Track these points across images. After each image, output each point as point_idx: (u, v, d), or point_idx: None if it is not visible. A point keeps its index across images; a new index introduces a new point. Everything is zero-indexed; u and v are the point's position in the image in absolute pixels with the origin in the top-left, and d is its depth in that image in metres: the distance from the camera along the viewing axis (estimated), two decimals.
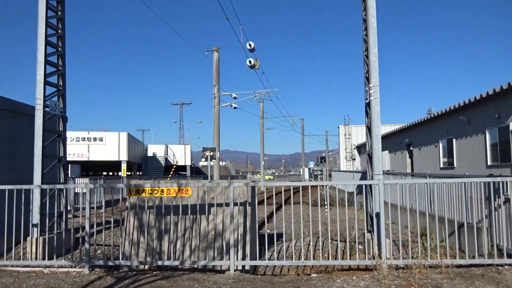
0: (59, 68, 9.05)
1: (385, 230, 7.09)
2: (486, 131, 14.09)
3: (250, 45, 15.77)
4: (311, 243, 6.52)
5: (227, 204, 6.72)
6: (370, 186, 7.66)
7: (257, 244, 6.68)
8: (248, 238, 6.85)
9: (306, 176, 68.52)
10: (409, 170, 23.88)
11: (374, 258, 7.00)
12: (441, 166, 18.86)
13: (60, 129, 9.06)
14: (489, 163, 14.09)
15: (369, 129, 8.12)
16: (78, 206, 15.34)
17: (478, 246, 6.91)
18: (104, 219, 11.51)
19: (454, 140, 17.23)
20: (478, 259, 6.01)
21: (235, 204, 6.63)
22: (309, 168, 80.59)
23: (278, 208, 19.09)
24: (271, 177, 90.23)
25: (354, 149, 38.72)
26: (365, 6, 8.01)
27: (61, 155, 9.04)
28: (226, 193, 6.84)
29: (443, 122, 18.23)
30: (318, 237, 9.55)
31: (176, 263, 6.35)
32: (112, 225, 6.99)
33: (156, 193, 6.25)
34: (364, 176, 20.10)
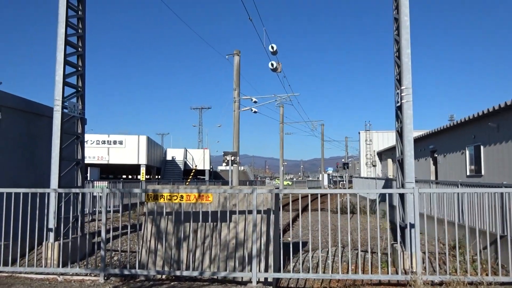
0: (79, 68, 8.87)
1: (415, 241, 6.61)
2: None
3: (272, 47, 15.44)
4: (339, 254, 6.09)
5: (249, 212, 6.36)
6: (402, 194, 7.18)
7: (280, 254, 6.29)
8: (271, 248, 6.46)
9: (325, 182, 67.62)
10: (433, 177, 23.12)
11: (406, 273, 6.53)
12: (468, 174, 18.15)
13: (79, 131, 8.87)
14: None
15: (399, 134, 7.65)
16: (100, 209, 15.24)
17: None
18: (122, 224, 11.31)
19: (482, 147, 16.53)
20: None
21: (258, 211, 6.27)
22: (328, 174, 79.62)
23: (298, 214, 18.64)
24: (289, 183, 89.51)
25: (372, 155, 37.92)
26: (396, 4, 7.57)
27: (79, 157, 8.84)
28: (249, 200, 6.48)
29: (470, 128, 17.55)
30: (344, 247, 9.09)
31: (195, 273, 6.01)
32: (129, 231, 6.71)
33: (175, 199, 5.94)
34: (388, 184, 19.50)
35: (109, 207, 12.00)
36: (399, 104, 7.41)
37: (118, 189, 7.84)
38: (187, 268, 6.23)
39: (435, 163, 23.04)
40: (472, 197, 8.58)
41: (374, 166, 38.26)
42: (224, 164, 18.65)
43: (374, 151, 37.93)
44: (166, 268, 6.33)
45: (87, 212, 8.42)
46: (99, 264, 6.10)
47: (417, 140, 23.73)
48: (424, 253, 6.44)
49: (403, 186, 7.43)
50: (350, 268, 6.15)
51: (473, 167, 17.78)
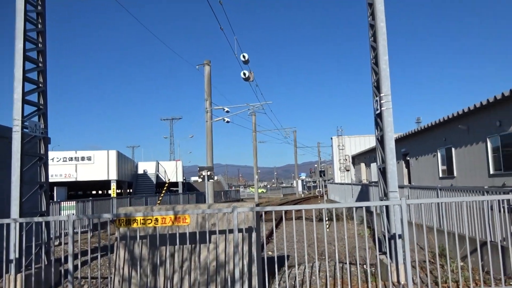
0: (40, 85, 8.29)
1: (404, 253, 6.41)
2: (487, 139, 13.65)
3: (244, 56, 15.19)
4: (327, 272, 5.79)
5: (230, 231, 5.98)
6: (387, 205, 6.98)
7: (266, 274, 5.93)
8: (254, 269, 6.09)
9: (300, 188, 67.74)
10: (406, 180, 23.37)
11: (395, 287, 6.30)
12: (440, 175, 18.39)
13: (42, 152, 8.26)
14: (491, 172, 13.63)
15: (380, 141, 7.48)
16: (66, 231, 14.42)
17: (505, 268, 6.26)
18: (91, 246, 10.62)
19: (453, 149, 16.77)
20: None
21: (240, 230, 5.90)
22: (302, 180, 79.88)
23: (277, 224, 18.31)
24: (264, 190, 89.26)
25: (345, 160, 38.21)
26: (372, 11, 7.44)
27: (42, 180, 8.21)
28: (229, 218, 6.10)
29: (441, 131, 17.82)
30: (325, 258, 8.83)
31: None
32: (99, 257, 6.20)
33: (149, 223, 5.49)
34: (364, 190, 19.50)
35: (77, 229, 11.33)
36: (378, 111, 7.24)
37: (86, 215, 7.27)
38: None
39: (408, 166, 23.30)
40: (460, 204, 8.43)
41: (348, 170, 38.54)
42: (199, 179, 18.17)
43: (348, 155, 38.21)
44: None
45: (53, 237, 7.79)
46: None
47: None
48: (414, 267, 6.23)
49: (386, 195, 7.24)
50: (338, 284, 5.86)
51: (445, 168, 18.02)
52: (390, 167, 6.90)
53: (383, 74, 7.02)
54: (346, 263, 7.55)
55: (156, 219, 5.48)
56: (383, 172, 7.40)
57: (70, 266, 5.50)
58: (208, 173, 17.38)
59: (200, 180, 18.10)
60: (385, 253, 7.36)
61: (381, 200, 7.42)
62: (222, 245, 6.15)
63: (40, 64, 8.30)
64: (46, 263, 7.61)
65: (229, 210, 5.67)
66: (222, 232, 6.13)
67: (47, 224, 7.69)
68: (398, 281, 6.30)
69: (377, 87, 7.30)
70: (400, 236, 6.49)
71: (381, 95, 7.02)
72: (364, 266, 7.85)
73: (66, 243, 10.74)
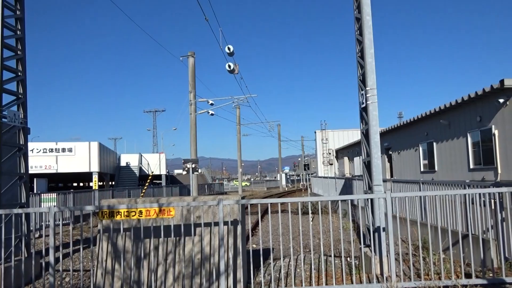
0: (19, 74, 8.06)
1: (388, 246, 6.48)
2: (468, 134, 13.88)
3: (229, 48, 15.04)
4: (312, 264, 5.81)
5: (215, 224, 5.94)
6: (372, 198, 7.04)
7: (251, 267, 5.92)
8: (239, 262, 6.08)
9: (283, 182, 68.04)
10: (388, 174, 23.66)
11: (378, 278, 6.37)
12: (422, 169, 18.66)
13: (21, 142, 8.05)
14: (471, 166, 13.88)
15: (365, 135, 7.51)
16: (48, 223, 14.14)
17: (485, 260, 6.39)
18: (73, 239, 10.44)
19: (434, 143, 17.02)
20: (498, 278, 5.45)
21: (225, 223, 5.86)
22: (286, 174, 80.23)
23: (261, 217, 18.38)
24: (247, 183, 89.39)
25: (329, 153, 38.45)
26: (358, 4, 7.43)
27: (22, 171, 8.02)
28: (214, 211, 6.06)
29: (423, 125, 18.05)
30: (310, 251, 8.88)
31: None
32: (81, 247, 6.06)
33: (133, 215, 5.40)
34: (347, 183, 19.65)
35: (58, 221, 11.15)
36: (364, 105, 7.26)
37: (68, 207, 7.09)
38: None
39: (390, 160, 23.58)
40: (444, 197, 8.55)
41: (331, 164, 38.81)
42: (184, 172, 18.00)
43: (332, 149, 38.44)
44: None
45: (33, 229, 7.62)
46: None
47: None
48: (397, 259, 6.30)
49: (370, 188, 7.29)
50: (325, 278, 5.89)
51: (427, 163, 18.29)
52: (375, 160, 6.95)
53: (368, 67, 7.04)
54: (330, 256, 7.61)
55: (140, 212, 5.39)
56: (367, 165, 7.45)
57: (51, 258, 5.39)
58: (193, 165, 17.25)
59: (184, 172, 17.95)
60: (369, 246, 7.43)
61: (366, 193, 7.48)
62: (207, 238, 6.11)
63: (19, 52, 8.06)
64: (26, 255, 7.45)
65: (214, 203, 5.63)
66: (207, 224, 6.08)
67: (27, 216, 7.51)
68: (382, 273, 6.37)
69: (363, 81, 7.32)
70: (384, 229, 6.55)
71: (367, 88, 7.04)
72: (348, 258, 7.92)
73: (47, 235, 10.56)
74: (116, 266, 6.05)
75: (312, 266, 6.11)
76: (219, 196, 6.09)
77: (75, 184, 52.78)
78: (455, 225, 7.79)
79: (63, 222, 12.64)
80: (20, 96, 8.03)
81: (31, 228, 8.13)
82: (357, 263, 7.44)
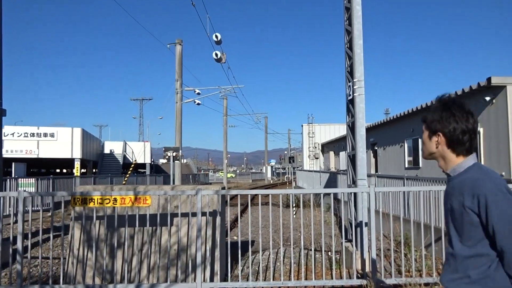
0: None
1: (369, 242, 6.36)
2: None
3: (216, 36, 14.73)
4: (292, 258, 5.66)
5: (193, 214, 5.74)
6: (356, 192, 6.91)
7: (228, 259, 5.75)
8: (217, 254, 5.90)
9: (269, 175, 68.03)
10: (373, 169, 23.72)
11: (359, 276, 6.25)
12: (406, 166, 18.71)
13: None
14: None
15: (351, 128, 7.37)
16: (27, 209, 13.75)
17: None
18: (45, 227, 10.10)
19: (420, 140, 17.05)
20: None
21: (203, 214, 5.66)
22: (271, 166, 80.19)
23: (243, 209, 18.21)
24: (233, 175, 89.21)
25: (315, 147, 38.46)
26: None
27: None
28: (192, 201, 5.85)
29: (409, 122, 18.06)
30: (290, 244, 8.75)
31: (131, 286, 5.30)
32: (51, 235, 5.82)
33: (107, 203, 5.16)
34: (332, 177, 19.62)
35: (28, 208, 10.83)
36: (351, 97, 7.11)
37: (39, 192, 6.74)
38: (122, 280, 5.50)
39: (375, 156, 23.63)
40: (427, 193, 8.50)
41: (317, 158, 38.83)
42: (165, 160, 17.67)
43: (318, 143, 38.44)
44: (97, 281, 5.55)
45: (1, 215, 7.32)
46: (16, 279, 5.20)
47: None
48: (378, 255, 6.20)
49: (354, 182, 7.17)
50: (304, 273, 5.75)
51: (411, 159, 18.34)
52: (360, 154, 6.81)
53: (357, 58, 6.87)
54: (311, 250, 7.48)
55: (115, 199, 5.15)
56: (352, 159, 7.32)
57: (19, 245, 5.13)
58: (174, 153, 16.91)
59: (165, 161, 17.64)
60: (350, 241, 7.33)
61: (350, 187, 7.35)
62: (185, 229, 5.90)
63: None
64: None
65: (193, 193, 5.42)
66: (185, 215, 5.88)
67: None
68: (363, 269, 6.26)
69: (350, 72, 7.16)
70: (366, 224, 6.44)
71: (354, 80, 6.88)
72: (329, 253, 7.81)
73: (26, 221, 10.16)
74: (89, 255, 5.82)
75: (292, 260, 5.96)
76: (198, 186, 5.88)
77: (58, 171, 51.91)
78: (439, 222, 7.73)
79: (37, 208, 12.21)
80: None
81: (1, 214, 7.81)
82: (338, 257, 7.34)
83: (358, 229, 6.67)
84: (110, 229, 5.83)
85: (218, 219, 5.97)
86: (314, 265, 6.57)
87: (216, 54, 16.17)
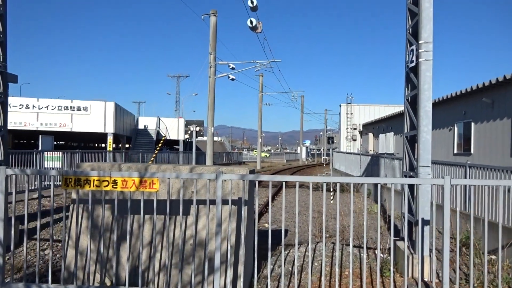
0: None
1: (430, 244, 5.09)
2: None
3: (252, 2, 13.42)
4: (337, 259, 4.47)
5: (214, 202, 4.64)
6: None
7: (255, 262, 4.63)
8: (242, 252, 4.79)
9: (304, 155, 66.58)
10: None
11: (417, 284, 5.00)
12: (455, 151, 17.00)
13: None
14: None
15: (410, 103, 5.99)
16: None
17: None
18: (44, 209, 9.36)
19: (473, 124, 15.27)
20: None
21: (226, 202, 4.56)
22: (306, 147, 78.58)
23: (275, 193, 17.11)
24: (267, 155, 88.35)
25: (355, 129, 36.62)
26: None
27: (0, 124, 6.86)
28: (214, 186, 4.74)
29: (460, 103, 16.25)
30: (334, 240, 7.56)
31: None
32: (38, 222, 4.91)
33: (105, 186, 4.13)
34: (374, 161, 18.12)
35: (22, 188, 10.16)
36: (413, 64, 5.69)
37: (23, 169, 5.97)
38: (129, 284, 4.48)
39: None
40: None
41: (355, 140, 37.06)
42: (187, 135, 16.72)
43: (358, 124, 36.63)
44: (97, 278, 4.59)
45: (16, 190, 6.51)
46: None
47: (399, 115, 22.38)
48: (439, 259, 4.89)
49: (413, 169, 5.84)
50: (351, 279, 4.57)
51: (461, 144, 16.62)
52: (424, 135, 5.45)
53: (424, 14, 5.42)
54: (354, 246, 6.28)
55: (115, 181, 4.11)
56: (410, 141, 5.97)
57: (0, 235, 4.22)
58: (197, 128, 15.88)
59: (202, 138, 16.67)
60: (402, 239, 6.06)
61: (407, 176, 6.02)
62: (204, 220, 4.82)
63: None
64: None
65: (212, 177, 4.29)
66: (204, 202, 4.79)
67: None
68: (422, 277, 5.02)
69: (414, 34, 5.73)
70: (427, 222, 5.15)
71: (420, 42, 5.45)
72: (375, 251, 6.58)
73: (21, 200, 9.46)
74: (92, 246, 4.86)
75: (337, 261, 4.78)
76: (220, 168, 4.75)
77: (90, 145, 52.62)
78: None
79: (33, 188, 11.19)
80: None
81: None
82: (386, 257, 6.10)
83: (417, 227, 5.38)
84: (118, 216, 4.82)
85: (244, 209, 4.84)
86: (360, 268, 5.37)
87: (251, 22, 14.85)
